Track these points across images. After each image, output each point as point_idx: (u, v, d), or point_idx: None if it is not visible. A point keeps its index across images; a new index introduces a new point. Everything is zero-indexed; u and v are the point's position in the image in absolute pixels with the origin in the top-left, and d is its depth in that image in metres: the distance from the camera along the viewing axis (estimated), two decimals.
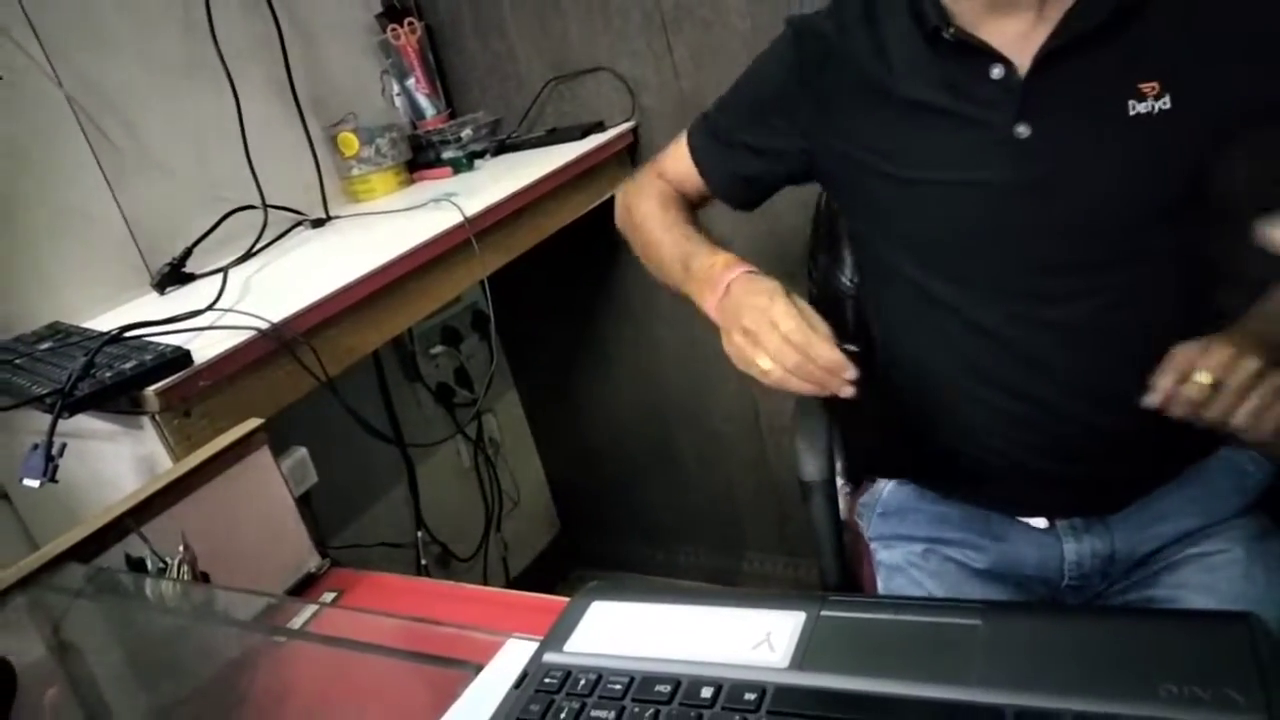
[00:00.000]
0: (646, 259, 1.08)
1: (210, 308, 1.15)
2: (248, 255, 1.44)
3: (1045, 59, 0.82)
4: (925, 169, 0.89)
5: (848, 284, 1.21)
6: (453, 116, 1.82)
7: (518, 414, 2.19)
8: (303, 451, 1.19)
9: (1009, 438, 0.92)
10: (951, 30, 0.84)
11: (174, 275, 1.35)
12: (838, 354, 0.75)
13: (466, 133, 1.75)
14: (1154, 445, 0.86)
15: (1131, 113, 0.82)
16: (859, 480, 1.18)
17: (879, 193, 0.93)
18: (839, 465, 1.20)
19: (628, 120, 1.71)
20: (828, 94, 0.95)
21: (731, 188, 1.07)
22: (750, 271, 0.86)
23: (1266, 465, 0.95)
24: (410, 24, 1.74)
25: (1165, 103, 0.81)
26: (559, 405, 2.14)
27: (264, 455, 0.88)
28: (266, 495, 0.87)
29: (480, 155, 1.75)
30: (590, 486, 2.22)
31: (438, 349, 1.90)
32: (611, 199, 1.69)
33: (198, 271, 1.38)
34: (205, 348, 1.02)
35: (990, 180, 0.86)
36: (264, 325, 1.06)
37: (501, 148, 1.78)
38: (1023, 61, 0.83)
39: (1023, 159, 0.84)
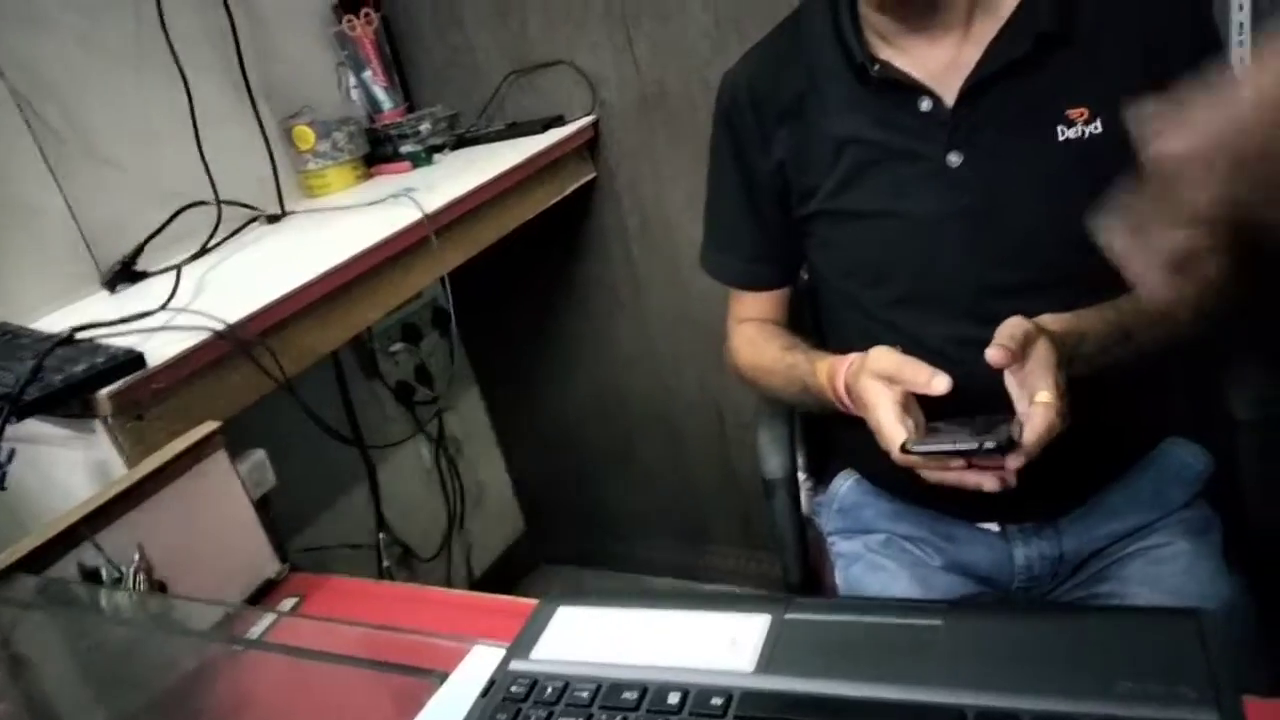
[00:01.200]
0: (785, 402, 1.08)
1: (163, 307, 1.13)
2: (201, 252, 1.41)
3: (971, 90, 0.85)
4: (863, 201, 0.91)
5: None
6: (411, 110, 1.80)
7: (479, 411, 2.17)
8: (261, 453, 1.16)
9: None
10: (877, 67, 0.87)
11: (125, 273, 1.32)
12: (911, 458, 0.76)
13: (425, 126, 1.73)
14: (1098, 448, 0.88)
15: (1061, 138, 0.84)
16: (820, 477, 1.19)
17: (821, 224, 0.96)
18: (801, 462, 1.21)
19: (588, 114, 1.70)
20: (768, 139, 0.97)
21: (774, 266, 1.06)
22: (849, 367, 0.85)
23: (1207, 457, 0.98)
24: (367, 15, 1.71)
25: (1096, 126, 0.84)
26: (521, 402, 2.13)
27: (221, 459, 0.86)
28: (224, 500, 0.86)
29: (439, 149, 1.73)
30: (553, 483, 2.21)
31: (397, 346, 1.88)
32: (573, 193, 1.71)
33: (150, 269, 1.35)
34: (159, 349, 1.00)
35: (927, 210, 0.88)
36: (219, 326, 1.04)
37: (460, 142, 1.76)
38: (950, 93, 0.85)
39: (957, 188, 0.87)
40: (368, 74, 1.74)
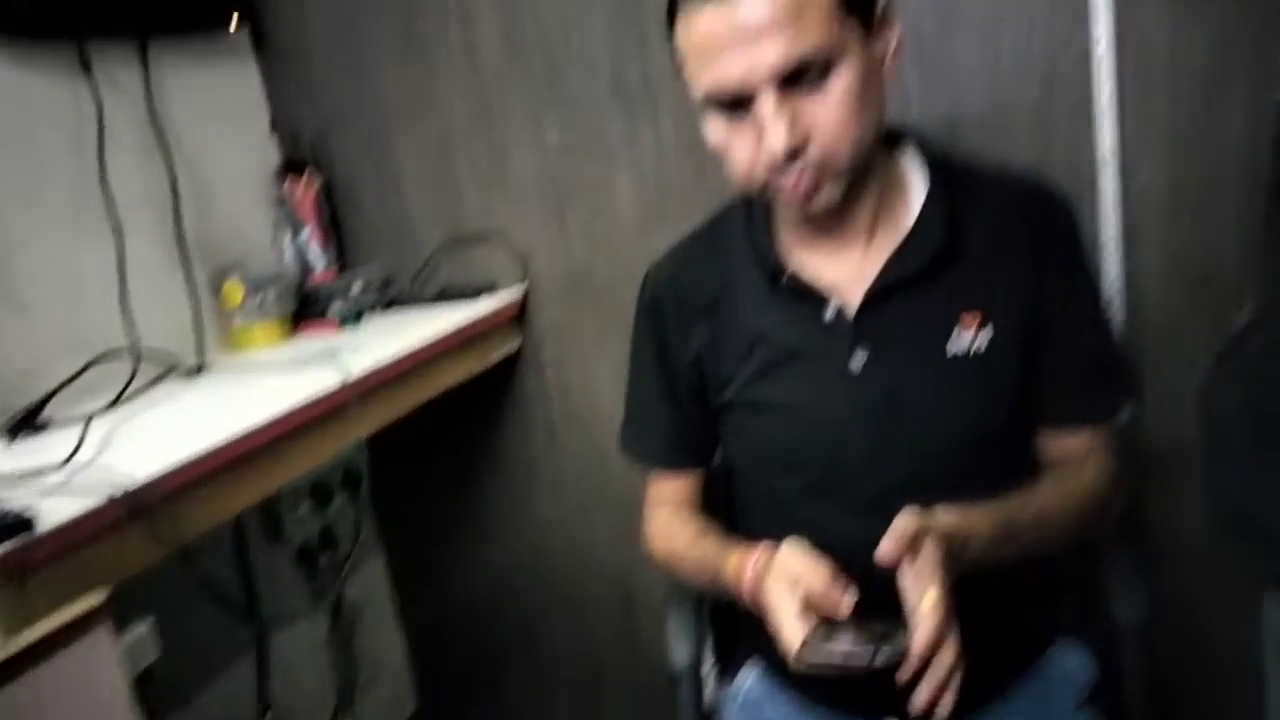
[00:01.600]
0: (698, 588, 1.10)
1: (64, 463, 1.09)
2: (113, 404, 1.38)
3: (872, 299, 0.93)
4: (774, 395, 0.97)
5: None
6: (343, 270, 1.84)
7: (382, 580, 2.09)
8: (146, 624, 1.11)
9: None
10: (786, 276, 0.94)
11: (28, 423, 1.28)
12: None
13: (356, 287, 1.75)
14: (995, 652, 0.91)
15: (955, 346, 0.92)
16: (727, 665, 1.19)
17: (735, 414, 1.01)
18: (709, 647, 1.20)
19: (519, 284, 1.76)
20: (687, 333, 1.03)
21: (691, 451, 1.10)
22: (755, 565, 0.87)
23: (1093, 664, 1.02)
24: (309, 178, 1.76)
25: (987, 336, 0.91)
26: (427, 573, 2.07)
27: (102, 636, 0.83)
28: (101, 680, 0.82)
29: (368, 310, 1.76)
30: (454, 661, 2.12)
31: (304, 508, 1.83)
32: (501, 362, 1.74)
33: (56, 419, 1.31)
34: (53, 511, 0.96)
35: (833, 408, 0.94)
36: (120, 489, 1.01)
37: (391, 304, 1.79)
38: (853, 300, 0.93)
39: (859, 390, 0.93)
40: (304, 234, 1.78)
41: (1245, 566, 0.72)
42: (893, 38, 0.87)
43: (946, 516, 0.84)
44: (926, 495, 0.91)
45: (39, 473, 1.06)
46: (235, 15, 1.69)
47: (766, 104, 0.80)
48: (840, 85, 0.81)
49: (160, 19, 1.57)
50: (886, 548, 0.77)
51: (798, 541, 0.84)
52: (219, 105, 1.74)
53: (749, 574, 0.87)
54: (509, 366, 1.81)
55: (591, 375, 1.75)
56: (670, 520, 1.09)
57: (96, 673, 0.81)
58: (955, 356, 0.92)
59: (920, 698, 0.74)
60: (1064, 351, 0.94)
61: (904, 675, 0.75)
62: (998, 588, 0.99)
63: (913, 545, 0.78)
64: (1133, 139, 1.27)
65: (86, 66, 1.46)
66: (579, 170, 1.65)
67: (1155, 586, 1.09)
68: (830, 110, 0.81)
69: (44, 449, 1.19)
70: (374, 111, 1.79)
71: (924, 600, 0.76)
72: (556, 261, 1.73)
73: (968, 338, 0.92)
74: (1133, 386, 1.01)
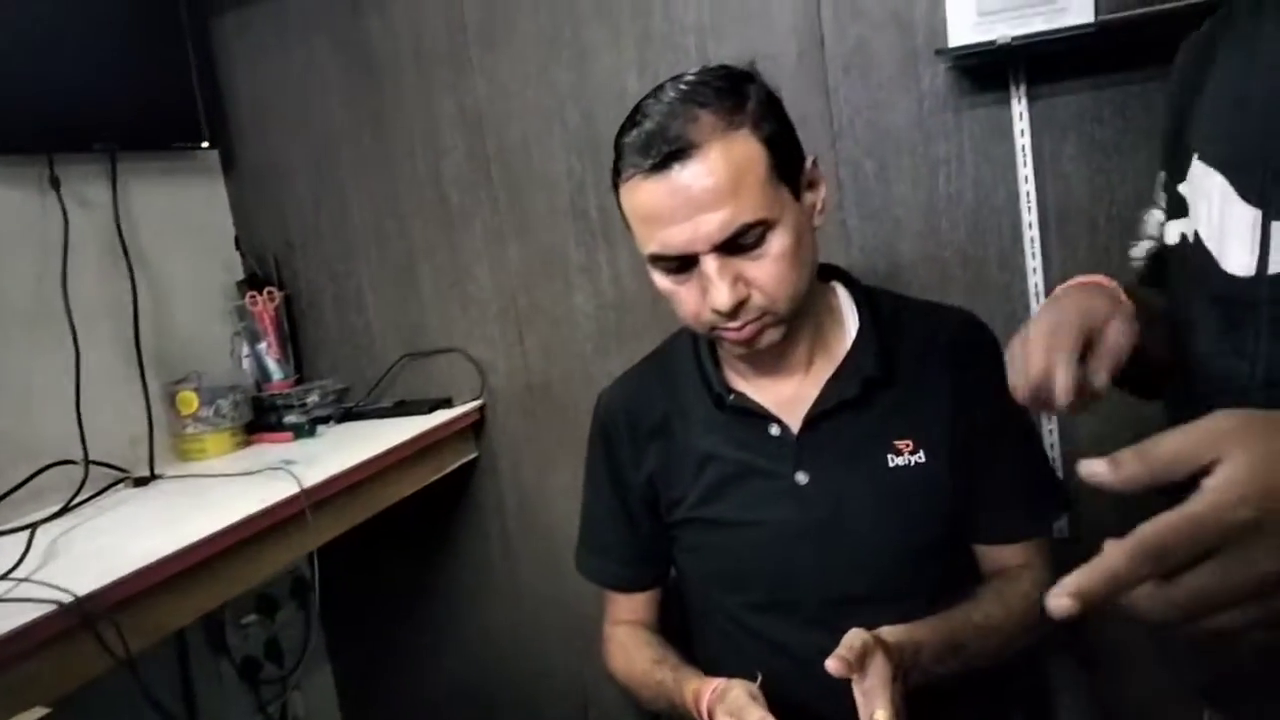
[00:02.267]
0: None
1: (7, 575, 1.07)
2: (61, 512, 1.36)
3: (812, 420, 0.98)
4: (724, 512, 1.01)
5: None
6: (300, 382, 1.85)
7: (329, 693, 2.03)
8: None
9: None
10: (732, 397, 1.00)
11: None
12: None
13: (313, 398, 1.77)
14: None
15: (891, 464, 0.98)
16: None
17: (687, 531, 1.05)
18: None
19: (476, 399, 1.79)
20: (640, 454, 1.07)
21: (646, 569, 1.13)
22: (712, 696, 0.90)
23: None
24: (270, 293, 1.80)
25: (920, 456, 0.98)
26: (377, 684, 2.01)
27: None
28: None
29: (324, 421, 1.77)
30: None
31: (250, 619, 1.79)
32: (456, 472, 1.75)
33: (2, 528, 1.29)
34: None
35: (782, 521, 0.98)
36: (66, 598, 0.99)
37: (347, 415, 1.80)
38: (795, 421, 0.99)
39: (805, 503, 0.98)
40: (262, 345, 1.80)
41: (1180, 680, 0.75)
42: (819, 195, 0.95)
43: (894, 629, 0.87)
44: (870, 609, 0.96)
45: None
46: (206, 136, 1.74)
47: (709, 265, 0.87)
48: (777, 245, 0.88)
49: (132, 137, 1.63)
50: (834, 664, 0.79)
51: (743, 684, 0.87)
52: (185, 221, 1.79)
53: (705, 701, 0.90)
54: (465, 476, 1.82)
55: (548, 485, 1.77)
56: (627, 642, 1.11)
57: None
58: (892, 471, 0.98)
59: None
60: (995, 473, 0.99)
61: None
62: (944, 693, 1.01)
63: (861, 660, 0.80)
64: (1059, 268, 1.37)
65: (55, 182, 1.50)
66: (538, 289, 1.71)
67: (1102, 693, 1.11)
68: (769, 268, 0.88)
69: None
70: (338, 230, 1.85)
71: (875, 714, 0.78)
72: (514, 375, 1.76)
73: (903, 456, 0.98)
74: (1065, 501, 1.06)
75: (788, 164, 0.89)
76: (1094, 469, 0.50)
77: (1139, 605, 0.47)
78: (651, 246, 0.89)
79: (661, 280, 0.93)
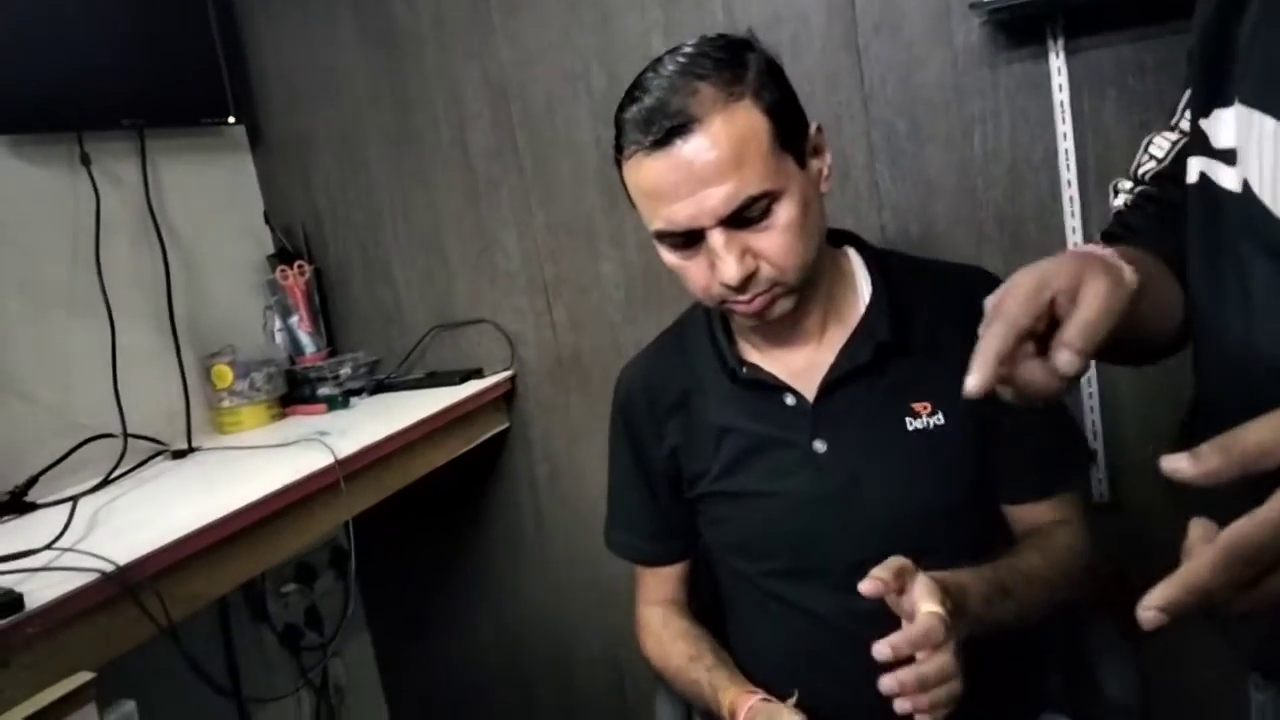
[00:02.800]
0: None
1: (51, 545, 1.09)
2: (102, 485, 1.38)
3: (827, 388, 0.98)
4: (745, 484, 1.01)
5: None
6: (333, 354, 1.86)
7: (369, 660, 2.07)
8: (130, 706, 1.09)
9: (840, 716, 0.98)
10: (745, 370, 1.00)
11: (14, 504, 1.29)
12: None
13: (345, 370, 1.78)
14: (974, 717, 0.91)
15: (910, 428, 0.97)
16: None
17: (710, 504, 1.06)
18: None
19: (506, 369, 1.79)
20: (660, 430, 1.07)
21: (673, 543, 1.13)
22: (748, 711, 0.92)
23: None
24: (300, 266, 1.81)
25: (939, 418, 0.96)
26: (414, 653, 2.05)
27: (89, 715, 0.82)
28: None
29: (357, 393, 1.78)
30: None
31: (290, 587, 1.82)
32: (488, 442, 1.76)
33: (44, 500, 1.31)
34: (39, 590, 0.97)
35: (801, 491, 0.98)
36: (108, 568, 1.01)
37: (379, 387, 1.81)
38: (810, 390, 0.98)
39: (824, 471, 0.98)
40: (294, 319, 1.81)
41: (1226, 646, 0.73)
42: (824, 162, 0.94)
43: (938, 573, 0.84)
44: None
45: (26, 553, 1.06)
46: (232, 111, 1.75)
47: (716, 240, 0.86)
48: (784, 216, 0.87)
49: (159, 113, 1.64)
50: (868, 585, 0.77)
51: (793, 713, 0.89)
52: (214, 196, 1.80)
53: (742, 718, 0.92)
54: (497, 446, 1.82)
55: (579, 455, 1.77)
56: (661, 632, 1.11)
57: None
58: (910, 435, 0.97)
59: (888, 683, 0.73)
60: (1017, 431, 0.98)
61: (882, 652, 0.74)
62: (984, 654, 1.00)
63: (899, 579, 0.78)
64: (1099, 227, 1.34)
65: (85, 159, 1.51)
66: (565, 258, 1.70)
67: (1143, 659, 1.10)
68: (776, 239, 0.87)
69: (32, 529, 1.20)
70: (366, 202, 1.85)
71: (922, 606, 0.76)
72: (544, 345, 1.76)
73: (922, 419, 0.97)
74: (1088, 455, 1.04)
75: (791, 132, 0.88)
76: (1177, 464, 0.46)
77: (1231, 608, 0.46)
78: (657, 223, 0.88)
79: (669, 256, 0.92)
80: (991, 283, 1.02)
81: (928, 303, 0.99)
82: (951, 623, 0.76)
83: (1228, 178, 0.64)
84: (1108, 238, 0.77)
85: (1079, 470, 1.03)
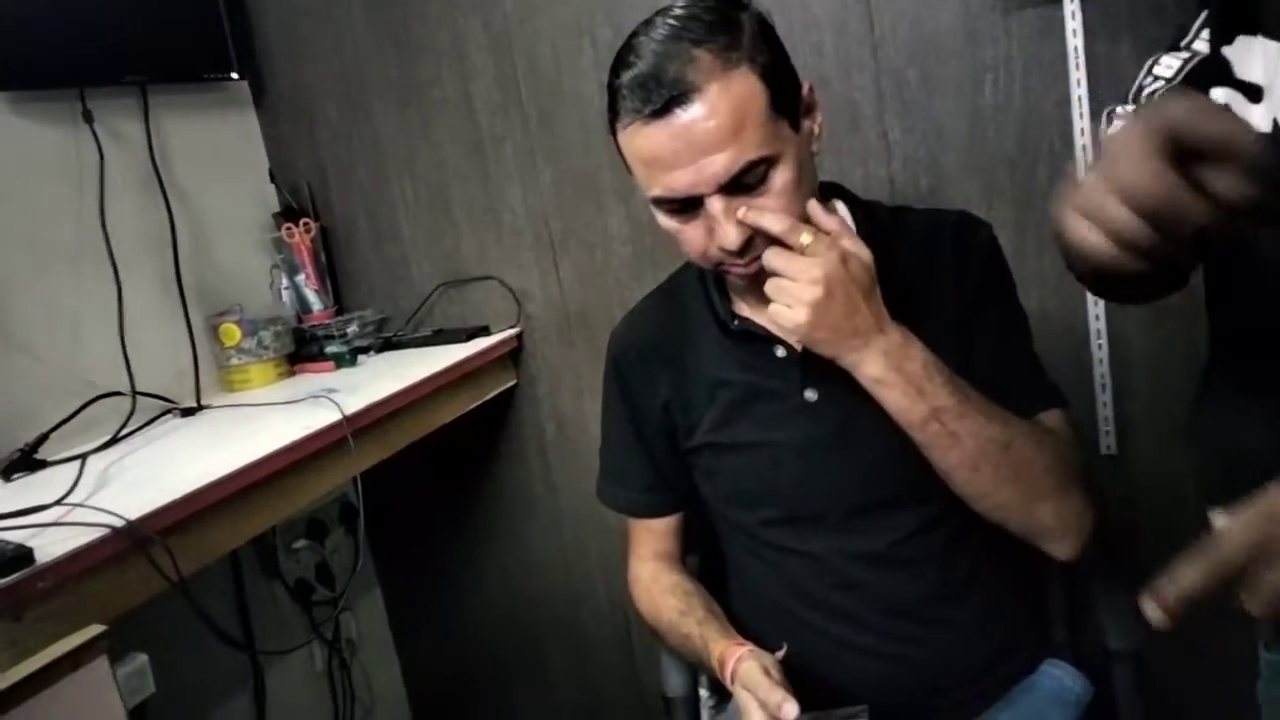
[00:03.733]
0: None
1: (60, 501, 1.10)
2: (111, 443, 1.39)
3: None
4: (739, 435, 1.02)
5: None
6: (340, 313, 1.86)
7: (379, 614, 2.10)
8: (143, 659, 1.12)
9: (841, 663, 1.00)
10: (736, 322, 1.00)
11: (24, 462, 1.30)
12: None
13: (353, 328, 1.78)
14: (980, 667, 0.92)
15: None
16: (724, 693, 1.19)
17: (705, 456, 1.06)
18: (703, 679, 1.20)
19: (513, 326, 1.79)
20: (653, 383, 1.08)
21: (665, 495, 1.13)
22: (736, 661, 0.92)
23: (1085, 682, 1.03)
24: (306, 224, 1.80)
25: None
26: (424, 606, 2.07)
27: (100, 667, 0.84)
28: (98, 714, 0.82)
29: (364, 351, 1.78)
30: (452, 694, 2.12)
31: (300, 543, 1.84)
32: (496, 399, 1.76)
33: (53, 458, 1.32)
34: (50, 545, 0.98)
35: (794, 439, 0.99)
36: (118, 522, 1.02)
37: (387, 345, 1.82)
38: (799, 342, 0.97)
39: (816, 419, 0.98)
40: (301, 277, 1.81)
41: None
42: (816, 121, 0.93)
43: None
44: (895, 509, 0.98)
45: (36, 509, 1.07)
46: (235, 67, 1.73)
47: (715, 206, 0.86)
48: (780, 180, 0.86)
49: (161, 69, 1.62)
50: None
51: (769, 661, 0.90)
52: (218, 153, 1.79)
53: (730, 668, 0.93)
54: (505, 402, 1.83)
55: (587, 411, 1.77)
56: (652, 586, 1.12)
57: (93, 706, 0.82)
58: None
59: None
60: (996, 351, 0.97)
61: None
62: (988, 606, 1.00)
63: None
64: None
65: (88, 116, 1.50)
66: (571, 213, 1.69)
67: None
68: (773, 203, 0.87)
69: (42, 487, 1.21)
70: (371, 158, 1.83)
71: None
72: (551, 301, 1.75)
73: None
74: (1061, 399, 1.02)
75: (785, 96, 0.87)
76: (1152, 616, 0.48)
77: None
78: (655, 190, 0.88)
79: (666, 220, 0.92)
80: (970, 219, 1.02)
81: (913, 246, 0.99)
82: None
83: (1256, 115, 0.61)
84: None
85: (1058, 393, 1.01)
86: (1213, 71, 0.65)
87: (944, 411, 0.86)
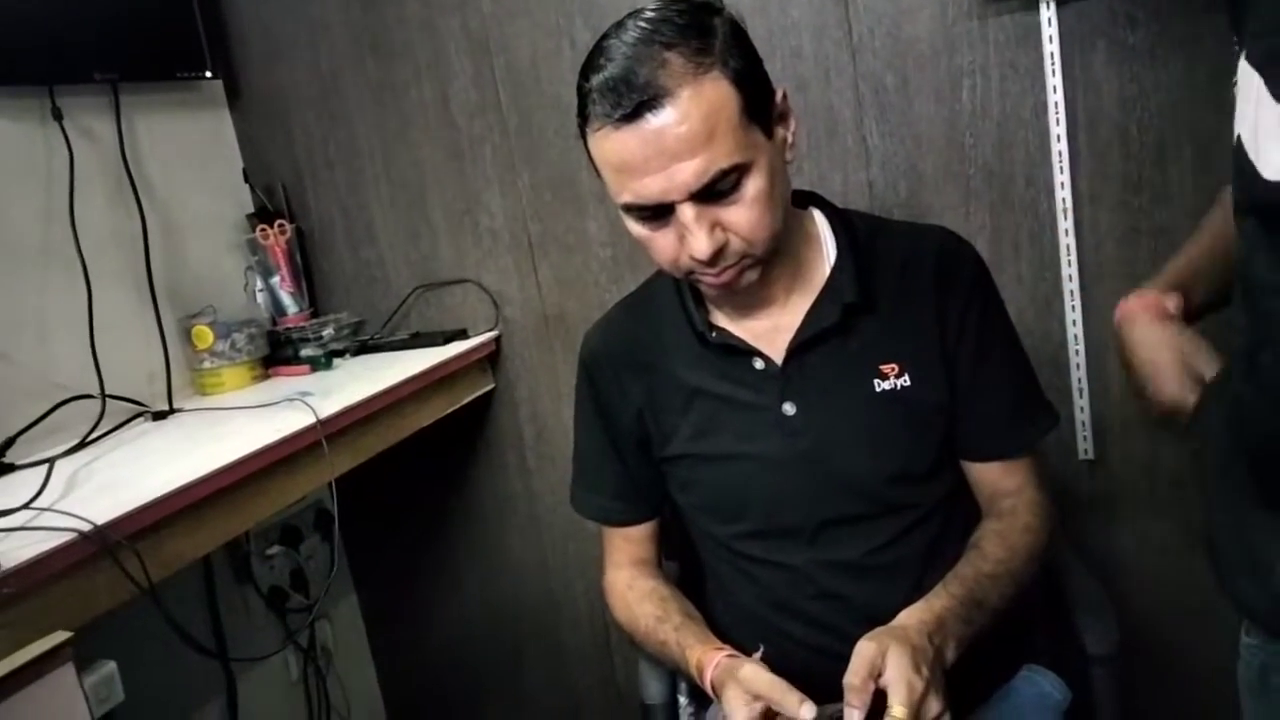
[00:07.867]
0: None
1: (27, 505, 1.08)
2: (80, 446, 1.37)
3: (795, 351, 0.97)
4: (715, 447, 1.01)
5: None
6: (315, 315, 1.84)
7: (355, 622, 2.07)
8: (111, 666, 1.09)
9: (821, 672, 0.97)
10: (714, 334, 0.99)
11: None
12: None
13: (328, 331, 1.76)
14: (954, 672, 0.92)
15: (877, 389, 0.97)
16: (702, 700, 1.18)
17: (680, 466, 1.05)
18: (682, 685, 1.20)
19: (491, 329, 1.77)
20: (625, 389, 1.06)
21: (639, 503, 1.12)
22: (715, 668, 0.91)
23: (1064, 688, 1.03)
24: (280, 226, 1.78)
25: (906, 380, 0.96)
26: (401, 613, 2.05)
27: (66, 674, 0.82)
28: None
29: (340, 354, 1.76)
30: (429, 702, 2.09)
31: (275, 549, 1.81)
32: (474, 403, 1.75)
33: (21, 462, 1.30)
34: (15, 550, 0.95)
35: (771, 453, 0.98)
36: (86, 527, 1.00)
37: (363, 348, 1.80)
38: (777, 353, 0.98)
39: (793, 433, 0.97)
40: (275, 279, 1.79)
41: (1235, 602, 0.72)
42: (789, 129, 0.92)
43: (912, 611, 0.87)
44: (868, 523, 0.98)
45: (2, 513, 1.04)
46: (209, 66, 1.71)
47: (686, 214, 0.84)
48: (752, 188, 0.85)
49: (133, 67, 1.60)
50: (852, 679, 0.79)
51: (758, 665, 0.88)
52: (191, 153, 1.76)
53: (709, 674, 0.91)
54: (483, 406, 1.81)
55: (565, 415, 1.75)
56: (628, 594, 1.10)
57: (59, 714, 0.80)
58: (878, 396, 0.96)
59: None
60: (978, 389, 0.98)
61: None
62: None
63: (873, 669, 0.79)
64: (1088, 182, 1.32)
65: (58, 114, 1.47)
66: (550, 216, 1.68)
67: (1126, 615, 1.10)
68: (745, 212, 0.86)
69: (8, 490, 1.18)
70: (347, 161, 1.81)
71: (893, 710, 0.77)
72: (529, 305, 1.74)
73: (889, 381, 0.97)
74: (1051, 418, 1.04)
75: (758, 102, 0.86)
76: None
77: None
78: (625, 196, 0.87)
79: (636, 228, 0.90)
80: (953, 241, 1.02)
81: (893, 262, 0.99)
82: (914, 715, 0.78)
83: (1238, 123, 0.61)
84: None
85: (1040, 431, 1.02)
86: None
87: (974, 623, 0.89)
